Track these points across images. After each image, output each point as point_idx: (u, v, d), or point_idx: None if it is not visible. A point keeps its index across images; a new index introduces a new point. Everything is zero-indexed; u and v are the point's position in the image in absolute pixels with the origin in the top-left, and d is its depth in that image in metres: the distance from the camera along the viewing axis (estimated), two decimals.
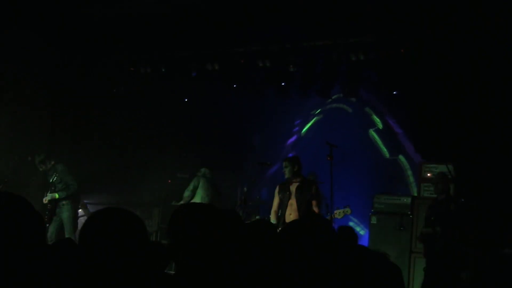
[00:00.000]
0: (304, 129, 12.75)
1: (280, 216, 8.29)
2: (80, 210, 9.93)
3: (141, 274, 2.25)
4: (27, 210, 2.21)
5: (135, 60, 11.34)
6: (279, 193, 8.45)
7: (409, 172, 11.23)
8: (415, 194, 9.72)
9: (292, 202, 8.22)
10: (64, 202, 9.23)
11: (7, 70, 10.02)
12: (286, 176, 8.36)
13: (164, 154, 11.66)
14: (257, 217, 9.94)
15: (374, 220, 9.43)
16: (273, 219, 8.39)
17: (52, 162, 9.39)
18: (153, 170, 11.40)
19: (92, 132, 11.03)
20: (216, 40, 10.29)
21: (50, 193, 9.20)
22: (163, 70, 11.11)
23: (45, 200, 9.15)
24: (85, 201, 10.62)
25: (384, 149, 11.72)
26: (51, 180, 9.24)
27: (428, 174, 9.31)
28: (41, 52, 10.14)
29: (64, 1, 9.13)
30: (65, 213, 9.22)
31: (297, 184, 8.27)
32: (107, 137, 11.18)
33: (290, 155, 11.32)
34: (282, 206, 8.32)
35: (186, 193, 10.15)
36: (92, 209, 10.63)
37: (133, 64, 11.41)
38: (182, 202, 9.91)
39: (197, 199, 9.93)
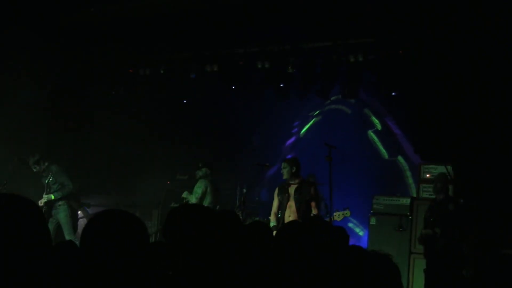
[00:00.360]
0: (303, 130, 12.75)
1: (280, 218, 8.29)
2: (79, 212, 9.91)
3: (141, 274, 2.25)
4: (29, 210, 2.20)
5: (134, 61, 11.34)
6: (278, 195, 8.45)
7: (408, 173, 11.23)
8: (414, 195, 9.72)
9: (291, 204, 8.22)
10: (60, 202, 9.20)
11: (7, 71, 10.01)
12: (285, 177, 8.35)
13: (163, 156, 11.66)
14: (256, 218, 9.91)
15: (373, 221, 9.43)
16: (273, 221, 8.39)
17: (46, 163, 9.36)
18: (152, 172, 11.38)
19: (91, 134, 11.03)
20: (216, 41, 10.30)
21: (46, 194, 9.19)
22: (162, 71, 11.12)
23: (41, 202, 9.13)
24: (84, 202, 10.60)
25: (383, 150, 11.72)
26: (46, 181, 9.22)
27: (427, 175, 9.31)
28: (41, 53, 10.14)
29: (64, 1, 9.12)
30: (61, 213, 9.19)
31: (296, 185, 8.27)
32: (106, 139, 11.17)
33: (289, 156, 11.32)
34: (282, 208, 8.32)
35: (194, 200, 9.58)
36: (91, 211, 10.61)
37: (132, 65, 11.41)
38: None
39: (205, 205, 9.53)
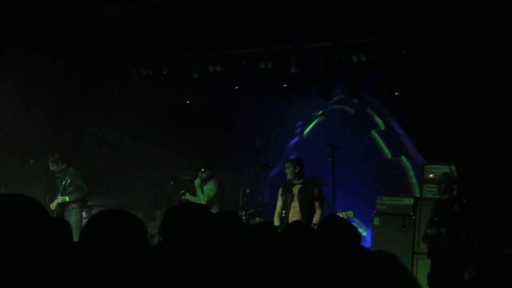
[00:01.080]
0: (306, 131, 12.73)
1: (284, 218, 8.31)
2: (83, 212, 9.93)
3: (141, 274, 2.25)
4: (35, 210, 2.21)
5: (137, 62, 11.34)
6: (282, 195, 8.49)
7: (412, 173, 11.20)
8: (418, 195, 9.71)
9: (295, 204, 8.26)
10: (73, 205, 9.28)
11: (9, 72, 10.02)
12: (288, 177, 8.38)
13: (166, 156, 11.65)
14: (257, 218, 9.90)
15: (376, 221, 9.42)
16: (276, 221, 8.41)
17: (64, 165, 9.47)
18: (155, 172, 11.39)
19: (94, 134, 11.03)
20: (218, 41, 10.29)
21: (61, 196, 9.25)
22: (165, 72, 11.12)
23: (53, 205, 9.22)
24: (88, 203, 10.61)
25: (386, 150, 11.69)
26: (63, 183, 9.27)
27: (431, 175, 9.29)
28: (42, 53, 10.15)
29: (65, 2, 9.12)
30: (73, 217, 9.23)
31: (300, 186, 8.30)
32: (109, 140, 11.17)
33: (292, 156, 11.31)
34: (285, 208, 8.35)
35: (204, 202, 9.31)
36: (94, 211, 10.62)
37: (134, 66, 11.41)
38: None
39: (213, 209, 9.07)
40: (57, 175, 9.55)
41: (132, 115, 11.44)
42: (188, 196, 9.78)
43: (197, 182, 9.66)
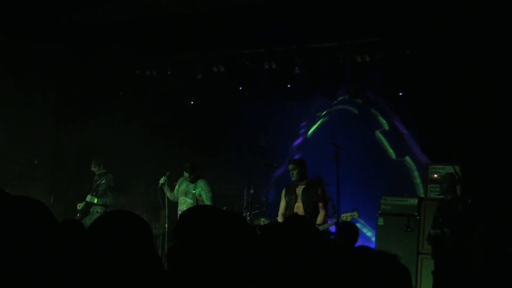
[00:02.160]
0: (310, 131, 12.69)
1: None
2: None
3: (141, 274, 2.26)
4: (40, 212, 2.21)
5: (141, 63, 11.36)
6: (285, 195, 8.49)
7: (416, 173, 11.15)
8: (422, 195, 9.69)
9: (299, 205, 8.26)
10: (98, 209, 9.52)
11: (13, 74, 10.05)
12: (294, 179, 8.37)
13: (170, 157, 11.66)
14: (262, 219, 9.90)
15: (381, 221, 9.42)
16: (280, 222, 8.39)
17: (105, 170, 9.93)
18: (159, 173, 11.39)
19: (98, 135, 11.06)
20: (221, 42, 10.30)
21: (90, 195, 9.56)
22: (169, 72, 11.13)
23: (79, 205, 9.53)
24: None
25: (391, 151, 11.64)
26: (98, 182, 9.68)
27: (435, 175, 9.29)
28: (46, 56, 10.17)
29: (70, 2, 9.15)
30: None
31: (303, 186, 8.30)
32: (113, 140, 11.19)
33: (297, 156, 11.29)
34: (289, 208, 8.36)
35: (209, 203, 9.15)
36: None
37: (138, 67, 11.43)
38: None
39: None
40: (95, 177, 9.94)
41: (135, 116, 11.46)
42: (168, 194, 9.60)
43: (182, 188, 9.43)
